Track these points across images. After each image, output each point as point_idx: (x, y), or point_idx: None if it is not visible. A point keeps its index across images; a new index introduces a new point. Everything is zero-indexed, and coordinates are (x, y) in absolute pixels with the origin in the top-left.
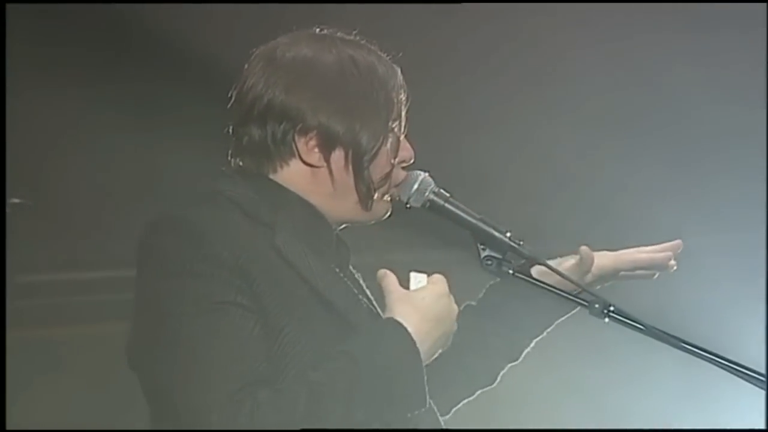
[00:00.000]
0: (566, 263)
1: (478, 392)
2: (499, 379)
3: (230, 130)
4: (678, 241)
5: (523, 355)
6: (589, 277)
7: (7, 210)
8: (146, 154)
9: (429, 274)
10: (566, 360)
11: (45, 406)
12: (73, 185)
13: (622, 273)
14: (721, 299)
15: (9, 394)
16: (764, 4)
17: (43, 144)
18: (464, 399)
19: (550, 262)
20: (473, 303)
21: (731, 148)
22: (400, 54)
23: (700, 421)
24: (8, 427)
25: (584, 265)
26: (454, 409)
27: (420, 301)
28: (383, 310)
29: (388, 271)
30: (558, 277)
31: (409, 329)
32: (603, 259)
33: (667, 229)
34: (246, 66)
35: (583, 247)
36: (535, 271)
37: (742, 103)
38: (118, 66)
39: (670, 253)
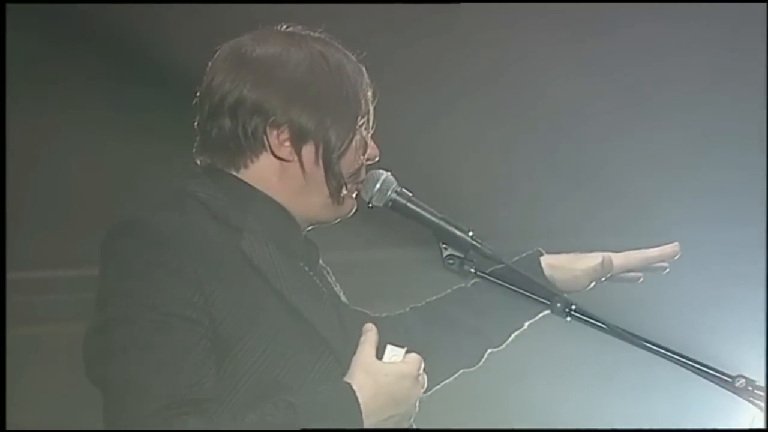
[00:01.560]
0: (586, 263)
1: (460, 372)
2: (481, 363)
3: (196, 127)
4: (676, 243)
5: (504, 345)
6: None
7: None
8: (129, 154)
9: (408, 351)
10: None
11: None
12: (63, 182)
13: (623, 274)
14: (720, 296)
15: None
16: (764, 4)
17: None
18: (446, 379)
19: (571, 255)
20: (467, 285)
21: (730, 146)
22: (364, 53)
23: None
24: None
25: (605, 269)
26: (433, 389)
27: (382, 377)
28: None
29: (372, 329)
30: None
31: (360, 401)
32: (617, 260)
33: (664, 226)
34: (210, 64)
35: (606, 254)
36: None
37: (741, 101)
38: (96, 66)
39: (677, 248)
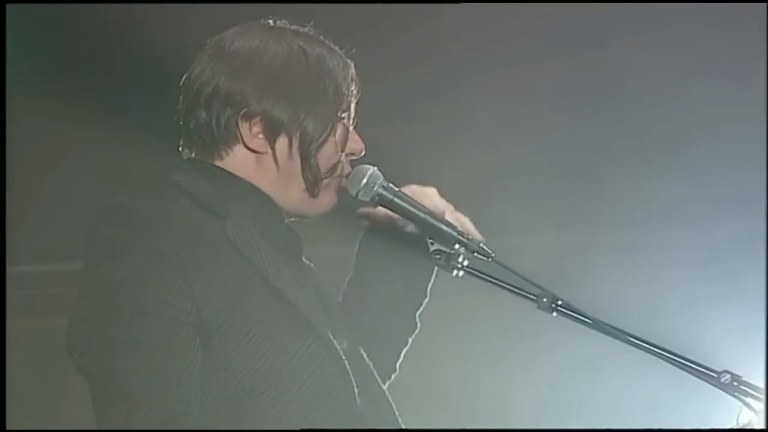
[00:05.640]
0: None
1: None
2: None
3: (179, 120)
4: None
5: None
6: None
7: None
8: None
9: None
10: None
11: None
12: (64, 178)
13: None
14: (718, 294)
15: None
16: (764, 5)
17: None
18: (405, 347)
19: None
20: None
21: (730, 145)
22: (353, 50)
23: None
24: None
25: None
26: (398, 363)
27: None
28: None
29: None
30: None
31: None
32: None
33: (660, 222)
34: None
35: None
36: None
37: (741, 100)
38: (82, 61)
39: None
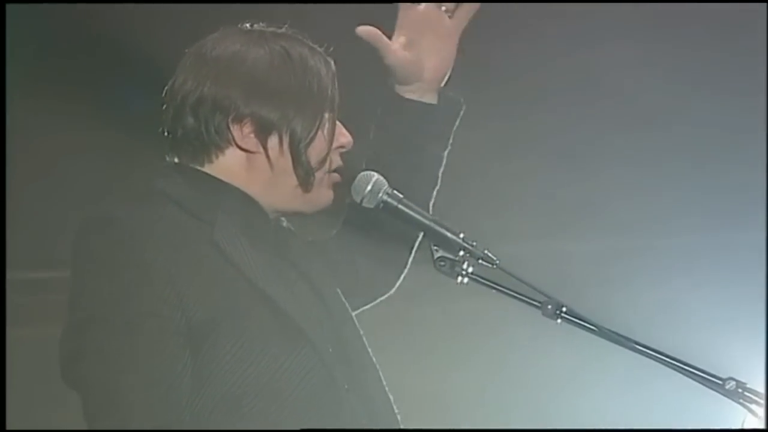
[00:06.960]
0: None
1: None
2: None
3: (164, 129)
4: None
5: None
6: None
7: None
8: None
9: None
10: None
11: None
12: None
13: None
14: (719, 299)
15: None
16: (764, 5)
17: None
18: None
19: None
20: None
21: (731, 147)
22: (332, 48)
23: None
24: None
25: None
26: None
27: None
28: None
29: None
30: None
31: None
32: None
33: (662, 226)
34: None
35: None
36: None
37: (742, 101)
38: (80, 63)
39: None
